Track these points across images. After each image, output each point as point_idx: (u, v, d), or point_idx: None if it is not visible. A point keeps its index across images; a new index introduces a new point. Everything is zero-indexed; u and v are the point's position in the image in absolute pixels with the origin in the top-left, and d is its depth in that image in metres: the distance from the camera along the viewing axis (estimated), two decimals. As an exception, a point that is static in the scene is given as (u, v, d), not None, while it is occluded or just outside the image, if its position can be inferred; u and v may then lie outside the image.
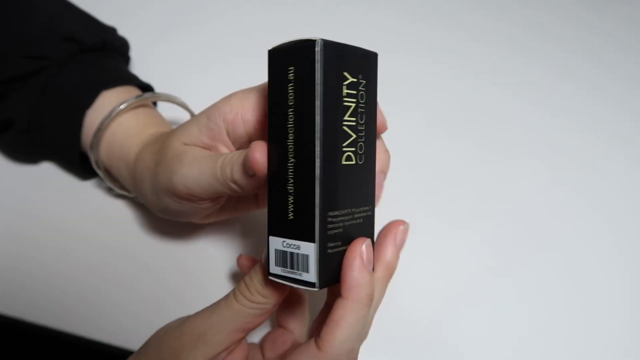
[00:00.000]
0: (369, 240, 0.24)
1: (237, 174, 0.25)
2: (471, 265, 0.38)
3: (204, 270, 0.36)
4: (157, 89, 0.39)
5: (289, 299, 0.31)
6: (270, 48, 0.23)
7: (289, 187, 0.23)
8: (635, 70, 0.50)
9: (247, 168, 0.24)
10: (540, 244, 0.39)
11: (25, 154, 0.38)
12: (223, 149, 0.28)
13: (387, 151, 0.28)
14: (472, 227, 0.39)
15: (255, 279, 0.25)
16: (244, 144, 0.28)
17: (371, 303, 0.24)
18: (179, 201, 0.28)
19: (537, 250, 0.39)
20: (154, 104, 0.40)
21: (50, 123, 0.35)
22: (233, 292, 0.26)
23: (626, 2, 0.55)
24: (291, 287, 0.24)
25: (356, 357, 0.25)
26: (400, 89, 0.45)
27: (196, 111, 0.33)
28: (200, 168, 0.26)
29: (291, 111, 0.22)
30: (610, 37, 0.52)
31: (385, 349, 0.34)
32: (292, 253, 0.23)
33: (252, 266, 0.28)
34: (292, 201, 0.23)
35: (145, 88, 0.38)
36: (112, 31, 0.39)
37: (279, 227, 0.23)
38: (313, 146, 0.22)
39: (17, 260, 0.36)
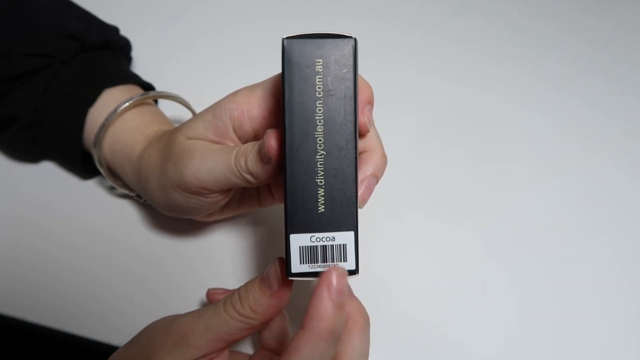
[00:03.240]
0: (341, 270, 0.22)
1: (252, 164, 0.25)
2: (469, 265, 0.38)
3: (207, 269, 0.36)
4: (158, 89, 0.39)
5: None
6: (285, 37, 0.23)
7: (318, 180, 0.23)
8: (629, 74, 0.50)
9: (262, 155, 0.24)
10: (535, 245, 0.39)
11: (27, 152, 0.38)
12: (230, 145, 0.28)
13: (384, 156, 0.27)
14: (469, 227, 0.39)
15: (251, 293, 0.25)
16: (249, 140, 0.28)
17: (333, 340, 0.22)
18: (188, 195, 0.28)
19: (532, 250, 0.39)
20: (155, 102, 0.40)
21: (52, 121, 0.35)
22: (223, 301, 0.25)
23: (620, 5, 0.55)
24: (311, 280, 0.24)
25: None
26: (396, 95, 0.46)
27: (198, 111, 0.33)
28: (214, 160, 0.26)
29: (320, 104, 0.23)
30: (606, 42, 0.53)
31: (384, 350, 0.34)
32: (324, 246, 0.23)
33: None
34: (322, 194, 0.23)
35: (147, 87, 0.38)
36: (114, 30, 0.39)
37: (304, 223, 0.23)
38: (352, 136, 0.23)
39: (18, 260, 0.36)
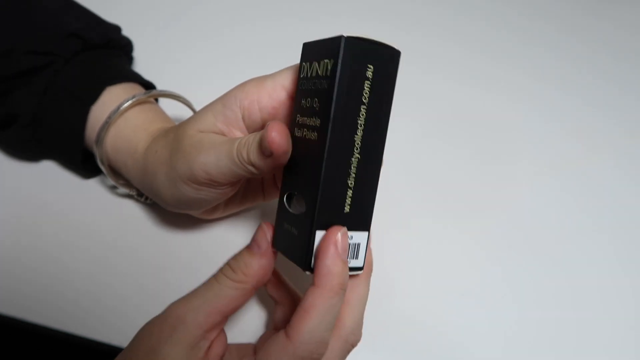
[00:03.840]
0: (344, 229, 0.24)
1: (253, 156, 0.25)
2: (468, 265, 0.38)
3: (207, 269, 0.36)
4: (159, 88, 0.39)
5: (284, 299, 0.31)
6: (346, 35, 0.22)
7: (350, 182, 0.23)
8: (629, 74, 0.50)
9: (263, 148, 0.24)
10: (535, 245, 0.39)
11: (27, 151, 0.38)
12: (238, 135, 0.28)
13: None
14: (468, 227, 0.40)
15: (241, 259, 0.26)
16: (257, 129, 0.28)
17: (343, 293, 0.24)
18: (197, 188, 0.28)
19: (532, 250, 0.39)
20: (156, 101, 0.40)
21: (54, 118, 0.35)
22: (215, 274, 0.26)
23: (620, 5, 0.55)
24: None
25: (326, 349, 0.25)
26: (396, 95, 0.46)
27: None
28: (218, 153, 0.27)
29: (364, 108, 0.23)
30: (606, 42, 0.53)
31: (385, 350, 0.34)
32: None
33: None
34: (350, 195, 0.24)
35: (148, 86, 0.38)
36: (116, 30, 0.39)
37: (330, 221, 0.24)
38: (383, 143, 0.24)
39: (18, 260, 0.36)
